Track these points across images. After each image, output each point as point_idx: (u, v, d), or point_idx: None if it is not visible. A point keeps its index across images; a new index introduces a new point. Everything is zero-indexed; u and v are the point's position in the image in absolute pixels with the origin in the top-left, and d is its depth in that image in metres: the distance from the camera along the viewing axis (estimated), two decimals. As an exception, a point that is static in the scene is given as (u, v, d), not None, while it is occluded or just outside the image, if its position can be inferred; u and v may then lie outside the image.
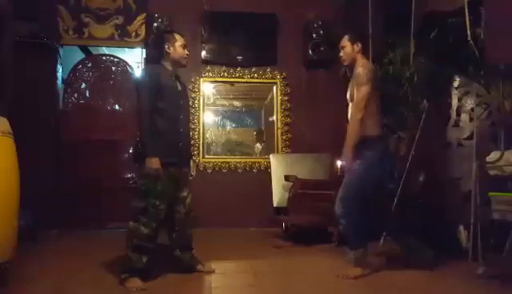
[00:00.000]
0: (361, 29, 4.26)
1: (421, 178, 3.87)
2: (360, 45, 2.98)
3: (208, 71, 5.25)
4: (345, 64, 3.02)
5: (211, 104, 5.38)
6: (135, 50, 5.23)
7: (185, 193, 2.82)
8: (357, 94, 2.83)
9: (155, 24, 4.93)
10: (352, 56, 2.96)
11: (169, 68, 2.81)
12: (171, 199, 2.72)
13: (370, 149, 2.80)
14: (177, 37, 2.82)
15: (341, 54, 3.01)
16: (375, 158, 2.81)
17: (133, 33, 5.05)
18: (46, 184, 4.52)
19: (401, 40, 4.05)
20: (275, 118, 5.39)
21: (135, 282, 2.49)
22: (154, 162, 2.55)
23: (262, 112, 5.51)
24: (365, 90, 2.79)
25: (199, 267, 2.88)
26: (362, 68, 2.85)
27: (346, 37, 3.00)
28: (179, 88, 2.84)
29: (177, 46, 2.80)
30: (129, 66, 5.27)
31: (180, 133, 2.78)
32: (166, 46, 2.78)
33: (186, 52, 2.85)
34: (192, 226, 2.89)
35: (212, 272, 2.88)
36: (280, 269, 3.02)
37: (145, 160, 2.56)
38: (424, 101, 3.86)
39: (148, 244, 2.58)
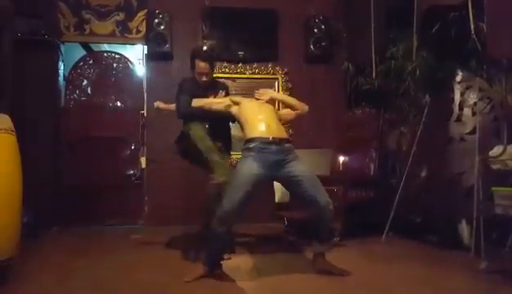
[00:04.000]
0: (362, 24, 4.24)
1: (423, 173, 3.87)
2: None
3: (210, 67, 5.23)
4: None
5: (212, 100, 5.36)
6: (136, 46, 5.22)
7: None
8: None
9: (156, 21, 4.92)
10: None
11: None
12: None
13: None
14: None
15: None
16: None
17: (134, 30, 5.03)
18: (47, 182, 4.52)
19: (403, 34, 4.02)
20: (276, 113, 5.37)
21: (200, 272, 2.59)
22: None
23: (264, 107, 5.48)
24: None
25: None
26: None
27: None
28: None
29: None
30: (130, 63, 5.26)
31: None
32: None
33: None
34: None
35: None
36: (282, 265, 3.01)
37: None
38: (427, 96, 3.85)
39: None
